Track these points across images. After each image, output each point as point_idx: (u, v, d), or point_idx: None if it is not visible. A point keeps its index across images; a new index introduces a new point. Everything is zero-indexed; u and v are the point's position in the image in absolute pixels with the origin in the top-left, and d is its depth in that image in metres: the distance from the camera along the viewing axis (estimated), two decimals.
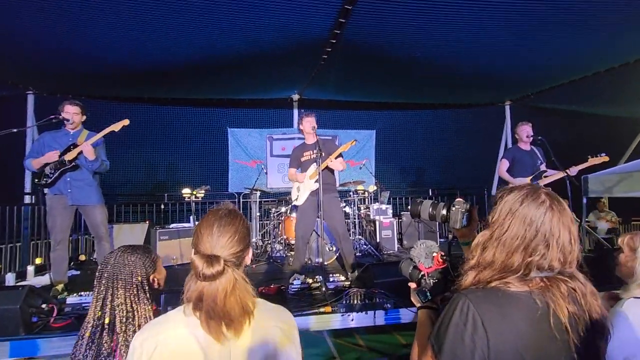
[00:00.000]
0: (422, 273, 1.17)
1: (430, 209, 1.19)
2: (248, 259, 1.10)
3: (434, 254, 1.16)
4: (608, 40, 4.10)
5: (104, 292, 1.36)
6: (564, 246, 0.90)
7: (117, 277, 1.38)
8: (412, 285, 1.21)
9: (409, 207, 1.29)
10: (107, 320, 1.32)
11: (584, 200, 4.82)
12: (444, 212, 1.16)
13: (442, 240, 5.81)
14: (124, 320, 1.33)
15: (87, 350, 1.27)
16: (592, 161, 4.05)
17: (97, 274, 1.42)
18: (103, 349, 1.28)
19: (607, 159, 4.03)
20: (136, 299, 1.37)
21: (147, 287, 1.43)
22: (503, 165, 4.44)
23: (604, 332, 0.89)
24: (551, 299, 0.86)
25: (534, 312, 0.85)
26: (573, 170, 4.03)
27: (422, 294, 1.14)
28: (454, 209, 1.14)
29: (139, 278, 1.41)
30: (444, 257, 1.15)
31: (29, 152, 3.46)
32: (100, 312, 1.34)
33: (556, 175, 4.16)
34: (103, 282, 1.38)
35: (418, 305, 1.16)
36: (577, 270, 0.93)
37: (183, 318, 0.98)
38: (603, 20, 3.63)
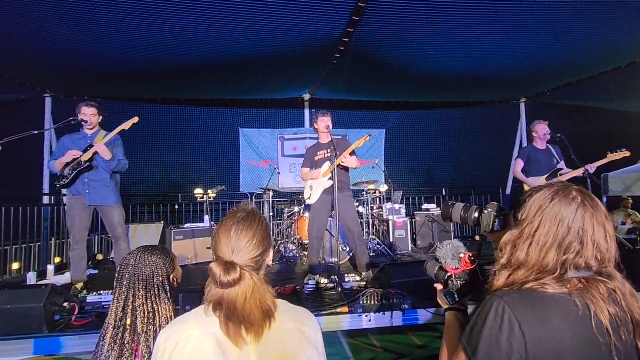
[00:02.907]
0: (449, 274, 1.15)
1: (462, 212, 1.17)
2: (269, 260, 1.09)
3: (461, 255, 1.13)
4: (628, 35, 3.99)
5: (125, 293, 1.37)
6: (599, 244, 0.87)
7: (138, 278, 1.38)
8: (439, 286, 1.19)
9: (441, 209, 1.27)
10: (129, 321, 1.33)
11: (604, 199, 4.71)
12: (476, 215, 1.13)
13: (456, 240, 5.74)
14: (145, 320, 1.33)
15: (110, 351, 1.28)
16: (612, 157, 3.90)
17: (117, 275, 1.41)
18: (125, 349, 1.29)
19: (628, 154, 3.85)
20: (157, 300, 1.38)
21: (167, 287, 1.43)
22: (518, 165, 4.35)
23: None
24: (591, 301, 0.83)
25: (574, 315, 0.83)
26: (591, 168, 3.92)
27: (450, 295, 1.11)
28: (486, 212, 1.12)
29: (160, 278, 1.41)
30: (472, 258, 1.12)
31: (52, 155, 3.54)
32: (122, 313, 1.34)
33: (574, 173, 4.06)
34: (124, 283, 1.38)
35: (446, 307, 1.14)
36: (615, 270, 0.90)
37: (204, 318, 0.98)
38: (623, 15, 3.53)
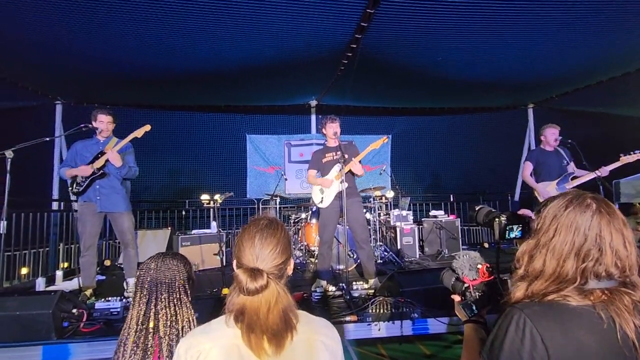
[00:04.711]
0: (466, 285, 1.13)
1: (484, 217, 1.16)
2: (290, 270, 1.08)
3: (479, 266, 1.11)
4: (639, 40, 3.95)
5: (147, 296, 1.38)
6: (618, 250, 0.85)
7: (160, 282, 1.40)
8: (456, 298, 1.17)
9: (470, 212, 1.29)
10: (151, 324, 1.34)
11: (616, 206, 4.63)
12: (496, 221, 1.12)
13: (464, 247, 5.68)
14: (168, 324, 1.35)
15: (133, 355, 1.29)
16: (625, 160, 3.85)
17: (137, 280, 1.43)
18: (148, 353, 1.30)
19: None
20: (179, 303, 1.40)
21: (188, 291, 1.46)
22: (527, 169, 4.29)
23: None
24: (616, 313, 0.81)
25: (598, 328, 0.80)
26: (604, 171, 3.87)
27: (468, 307, 1.09)
28: (497, 220, 1.10)
29: (181, 281, 1.44)
30: (490, 269, 1.10)
31: (64, 162, 3.58)
32: (143, 317, 1.35)
33: (586, 176, 4.01)
34: (146, 286, 1.40)
35: (464, 319, 1.11)
36: (639, 278, 0.87)
37: (225, 329, 0.97)
38: (633, 20, 3.50)
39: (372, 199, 5.50)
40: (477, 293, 1.10)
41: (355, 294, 3.10)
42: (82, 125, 3.38)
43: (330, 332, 1.04)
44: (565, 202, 0.92)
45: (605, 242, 0.85)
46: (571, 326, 0.81)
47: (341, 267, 4.39)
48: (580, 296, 0.84)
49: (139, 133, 3.45)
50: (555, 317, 0.83)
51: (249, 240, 1.01)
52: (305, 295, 3.21)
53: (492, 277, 1.10)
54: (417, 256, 5.21)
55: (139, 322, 1.34)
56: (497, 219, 1.10)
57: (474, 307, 1.09)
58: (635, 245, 0.88)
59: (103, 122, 3.43)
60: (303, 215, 5.32)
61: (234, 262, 1.03)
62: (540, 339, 0.80)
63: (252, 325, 0.93)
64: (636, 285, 0.86)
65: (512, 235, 1.08)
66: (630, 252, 0.86)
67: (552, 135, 4.19)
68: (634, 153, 3.81)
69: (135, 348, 1.30)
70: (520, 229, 1.09)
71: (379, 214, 5.66)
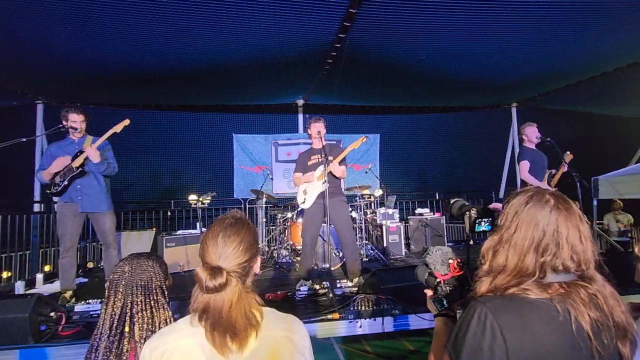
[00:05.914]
0: (438, 280, 1.15)
1: (457, 209, 1.20)
2: (257, 268, 1.08)
3: (450, 261, 1.13)
4: (616, 41, 4.06)
5: (122, 300, 1.34)
6: (574, 245, 0.89)
7: (136, 284, 1.36)
8: (429, 292, 1.19)
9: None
10: (127, 329, 1.30)
11: (595, 203, 4.75)
12: (466, 215, 1.15)
13: (450, 244, 5.75)
14: (144, 327, 1.31)
15: None
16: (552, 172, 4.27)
17: (109, 283, 1.38)
18: (124, 357, 1.26)
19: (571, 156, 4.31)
20: (156, 305, 1.36)
21: (165, 292, 1.43)
22: (525, 167, 4.18)
23: (627, 336, 0.86)
24: (572, 306, 0.84)
25: (555, 320, 0.83)
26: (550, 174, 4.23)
27: (439, 301, 1.12)
28: (467, 214, 1.13)
29: (158, 283, 1.40)
30: (461, 264, 1.12)
31: (40, 165, 3.47)
32: (117, 322, 1.31)
33: (559, 173, 4.23)
34: (120, 289, 1.35)
35: (434, 313, 1.13)
36: (595, 272, 0.91)
37: (190, 328, 0.97)
38: (611, 21, 3.60)
39: (357, 197, 5.53)
40: (448, 287, 1.13)
41: (339, 292, 3.12)
42: (60, 125, 3.31)
43: (296, 327, 1.05)
44: (526, 198, 0.96)
45: (562, 237, 0.89)
46: (530, 319, 0.84)
47: (326, 265, 4.40)
48: (539, 289, 0.87)
49: (117, 128, 3.36)
50: (516, 310, 0.85)
51: (212, 239, 1.01)
52: (289, 294, 3.21)
53: (463, 271, 1.12)
54: (403, 254, 5.27)
55: (113, 327, 1.30)
56: (467, 213, 1.13)
57: (444, 301, 1.11)
58: (591, 240, 0.92)
59: (76, 122, 3.34)
60: (289, 215, 5.32)
61: (200, 262, 1.03)
62: (499, 332, 0.82)
63: (215, 324, 0.94)
64: (593, 279, 0.89)
65: (481, 228, 1.11)
66: (586, 247, 0.90)
67: (532, 133, 4.25)
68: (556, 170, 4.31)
69: (107, 353, 1.26)
70: (489, 223, 1.12)
71: (365, 212, 5.69)
